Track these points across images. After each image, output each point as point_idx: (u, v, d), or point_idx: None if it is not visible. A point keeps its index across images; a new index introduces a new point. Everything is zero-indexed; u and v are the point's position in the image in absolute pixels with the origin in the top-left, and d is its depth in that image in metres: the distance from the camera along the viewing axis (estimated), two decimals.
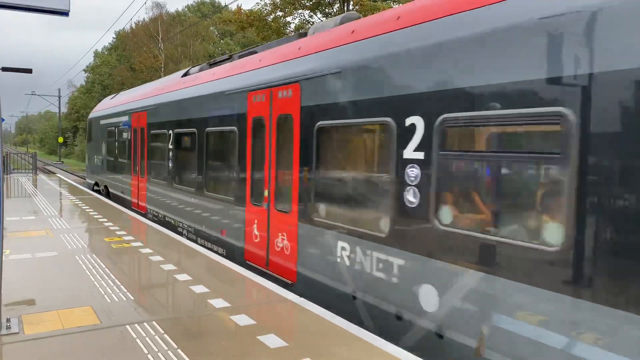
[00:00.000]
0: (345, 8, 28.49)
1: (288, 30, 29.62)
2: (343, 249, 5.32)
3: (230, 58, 9.56)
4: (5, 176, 20.17)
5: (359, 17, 6.44)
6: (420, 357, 3.93)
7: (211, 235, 8.47)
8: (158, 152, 11.35)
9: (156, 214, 11.36)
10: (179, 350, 3.91)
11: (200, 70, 10.60)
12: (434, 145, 4.19)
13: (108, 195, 15.90)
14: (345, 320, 4.68)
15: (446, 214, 4.15)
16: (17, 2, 4.72)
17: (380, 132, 4.96)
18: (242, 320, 4.61)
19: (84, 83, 77.72)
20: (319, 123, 5.67)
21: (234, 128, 7.62)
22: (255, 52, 8.48)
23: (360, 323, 4.84)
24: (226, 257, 7.56)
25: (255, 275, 6.24)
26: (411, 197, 4.41)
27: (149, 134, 11.95)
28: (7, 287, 4.88)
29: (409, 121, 4.42)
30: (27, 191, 16.23)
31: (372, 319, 4.89)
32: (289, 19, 29.42)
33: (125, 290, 5.45)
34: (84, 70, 75.84)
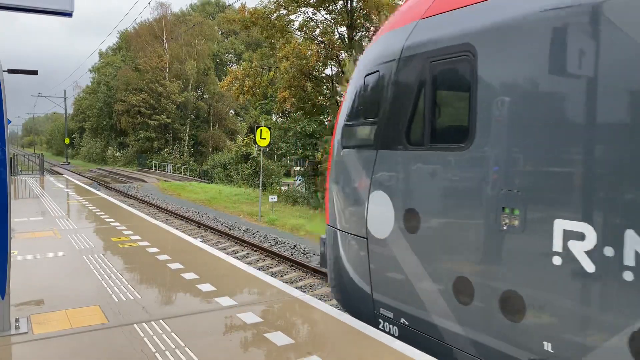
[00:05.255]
0: (349, 5, 28.46)
1: (292, 29, 29.60)
2: None
3: None
4: (12, 178, 20.31)
5: None
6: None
7: None
8: None
9: None
10: (187, 349, 3.92)
11: None
12: None
13: None
14: (352, 318, 4.67)
15: None
16: (22, 3, 4.75)
17: None
18: (249, 318, 4.62)
19: (89, 84, 78.26)
20: None
21: None
22: None
23: None
24: None
25: (261, 273, 6.25)
26: None
27: None
28: (16, 287, 4.91)
29: None
30: (35, 192, 16.33)
31: None
32: (292, 17, 29.40)
33: (132, 290, 5.48)
34: (90, 70, 76.41)
